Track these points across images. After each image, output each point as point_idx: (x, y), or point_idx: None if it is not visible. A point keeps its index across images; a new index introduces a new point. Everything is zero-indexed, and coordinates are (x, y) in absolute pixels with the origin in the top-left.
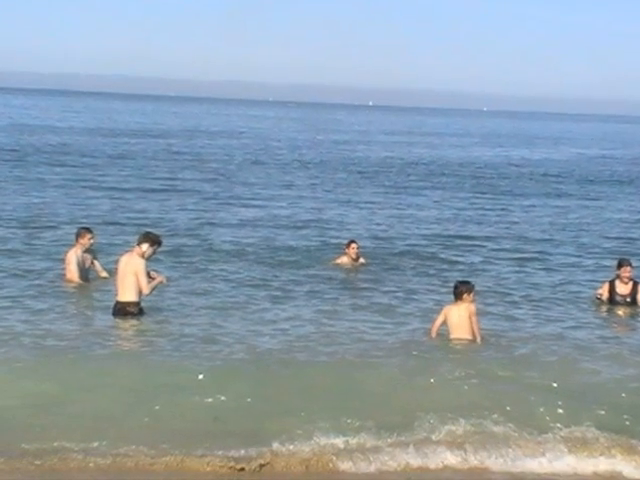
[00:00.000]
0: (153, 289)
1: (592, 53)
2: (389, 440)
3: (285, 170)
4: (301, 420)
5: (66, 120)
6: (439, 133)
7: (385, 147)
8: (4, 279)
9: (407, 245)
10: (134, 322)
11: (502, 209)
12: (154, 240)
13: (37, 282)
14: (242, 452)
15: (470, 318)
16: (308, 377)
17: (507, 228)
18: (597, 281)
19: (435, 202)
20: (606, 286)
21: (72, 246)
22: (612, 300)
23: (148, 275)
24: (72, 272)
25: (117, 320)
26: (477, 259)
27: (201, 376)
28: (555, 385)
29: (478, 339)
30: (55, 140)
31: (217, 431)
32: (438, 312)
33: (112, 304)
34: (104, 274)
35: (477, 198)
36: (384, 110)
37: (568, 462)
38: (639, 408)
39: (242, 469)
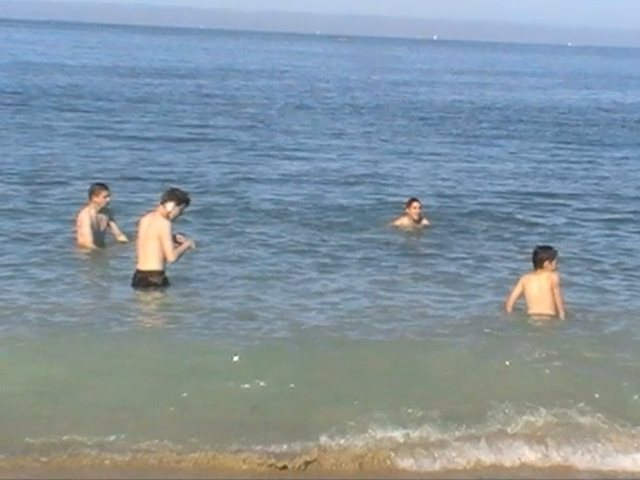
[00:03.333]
0: (180, 256)
1: None
2: (457, 433)
3: (335, 116)
4: (354, 410)
5: (78, 57)
6: (516, 72)
7: (452, 89)
8: (5, 244)
9: (478, 204)
10: (157, 295)
11: (590, 162)
12: (181, 198)
13: (43, 247)
14: (284, 447)
15: (552, 290)
16: (362, 359)
17: (596, 184)
18: None
19: (511, 154)
20: None
21: (85, 205)
22: None
23: (174, 239)
24: (85, 236)
25: (137, 292)
26: (560, 220)
27: (236, 358)
28: None
29: (561, 314)
30: (65, 81)
31: (255, 423)
32: (514, 283)
33: (132, 273)
34: (122, 238)
35: (560, 149)
36: (451, 46)
37: None
38: None
39: (284, 467)
